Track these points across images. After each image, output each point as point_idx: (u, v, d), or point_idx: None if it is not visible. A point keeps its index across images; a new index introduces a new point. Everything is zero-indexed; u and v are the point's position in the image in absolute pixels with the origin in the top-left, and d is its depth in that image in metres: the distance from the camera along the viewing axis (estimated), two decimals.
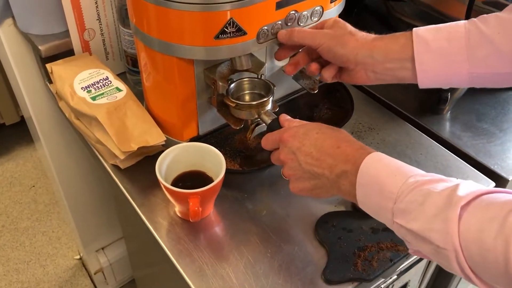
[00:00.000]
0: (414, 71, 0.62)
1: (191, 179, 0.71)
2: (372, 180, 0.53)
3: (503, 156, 0.82)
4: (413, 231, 0.48)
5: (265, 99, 0.71)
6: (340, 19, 0.68)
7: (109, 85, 0.80)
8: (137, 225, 0.80)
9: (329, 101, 0.87)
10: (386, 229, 0.69)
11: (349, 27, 0.66)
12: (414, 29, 0.62)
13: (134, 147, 0.71)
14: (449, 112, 0.91)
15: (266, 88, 0.73)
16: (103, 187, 1.21)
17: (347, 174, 0.55)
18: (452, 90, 0.84)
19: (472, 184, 0.48)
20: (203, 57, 0.66)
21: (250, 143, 0.78)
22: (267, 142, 0.65)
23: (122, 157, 0.72)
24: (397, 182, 0.51)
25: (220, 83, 0.68)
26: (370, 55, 0.63)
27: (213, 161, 0.69)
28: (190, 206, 0.63)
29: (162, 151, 0.70)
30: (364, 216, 0.70)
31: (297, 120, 0.65)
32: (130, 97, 0.78)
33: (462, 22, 0.61)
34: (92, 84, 0.79)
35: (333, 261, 0.65)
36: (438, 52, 0.60)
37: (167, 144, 0.74)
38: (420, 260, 0.74)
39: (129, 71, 0.92)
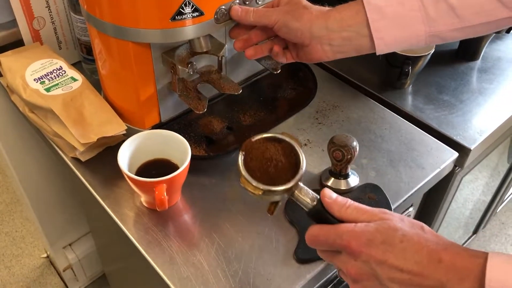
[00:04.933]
0: (371, 38, 0.61)
1: (156, 167, 0.69)
2: None
3: (464, 126, 0.84)
4: None
5: (299, 174, 0.52)
6: None
7: (64, 75, 0.76)
8: (103, 218, 0.78)
9: (293, 81, 0.86)
10: None
11: (304, 1, 0.65)
12: None
13: (94, 138, 0.69)
14: (410, 86, 0.92)
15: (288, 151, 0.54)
16: (65, 181, 1.17)
17: None
18: (413, 64, 0.85)
19: None
20: (160, 40, 0.64)
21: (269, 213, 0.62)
22: (317, 241, 0.50)
23: (81, 149, 0.69)
24: None
25: (180, 67, 0.66)
26: (324, 26, 0.62)
27: (178, 148, 0.67)
28: (156, 195, 0.62)
29: (124, 141, 0.68)
30: None
31: (353, 204, 0.49)
32: (87, 86, 0.75)
33: None
34: (45, 75, 0.76)
35: (304, 240, 0.65)
36: (392, 18, 0.59)
37: (129, 133, 0.72)
38: None
39: (84, 60, 0.88)
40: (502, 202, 1.50)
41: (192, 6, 0.61)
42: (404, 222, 0.46)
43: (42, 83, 0.75)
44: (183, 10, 0.61)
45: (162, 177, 0.62)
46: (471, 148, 0.79)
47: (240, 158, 0.52)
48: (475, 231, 1.45)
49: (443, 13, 0.59)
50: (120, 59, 0.68)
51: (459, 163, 0.81)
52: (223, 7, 0.64)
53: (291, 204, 0.69)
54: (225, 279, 0.61)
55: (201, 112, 0.69)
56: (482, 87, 0.93)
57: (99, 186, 0.72)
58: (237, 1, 0.66)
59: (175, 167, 0.68)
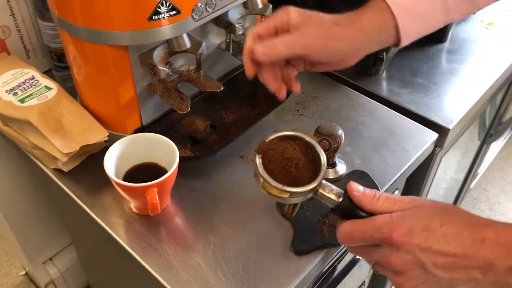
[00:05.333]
0: (398, 37, 0.57)
1: (143, 172, 0.68)
2: None
3: (440, 107, 0.86)
4: None
5: (322, 171, 0.51)
6: (297, 9, 0.57)
7: (37, 84, 0.73)
8: (89, 228, 0.76)
9: None
10: None
11: (324, 16, 0.57)
12: None
13: (76, 147, 0.67)
14: (384, 71, 0.94)
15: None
16: (41, 194, 1.13)
17: None
18: (387, 49, 0.86)
19: None
20: (138, 42, 0.62)
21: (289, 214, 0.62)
22: (352, 238, 0.48)
23: (64, 159, 0.67)
24: None
25: (160, 68, 0.65)
26: (367, 39, 0.57)
27: (164, 150, 0.66)
28: (148, 200, 0.60)
29: (106, 148, 0.66)
30: None
31: (382, 194, 0.48)
32: (63, 94, 0.73)
33: None
34: (17, 85, 0.73)
35: (300, 232, 0.65)
36: (417, 14, 0.57)
37: (110, 140, 0.70)
38: None
39: (55, 67, 0.85)
40: (474, 179, 1.55)
41: (169, 5, 0.60)
42: (437, 205, 0.46)
43: (15, 94, 0.72)
44: (160, 9, 0.60)
45: (151, 181, 0.61)
46: (450, 128, 0.81)
47: (258, 162, 0.50)
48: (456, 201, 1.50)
49: (460, 2, 0.59)
50: (97, 63, 0.66)
51: (438, 143, 0.83)
52: (200, 3, 0.63)
53: None
54: (226, 279, 0.60)
55: (184, 112, 0.68)
56: (452, 68, 0.95)
57: (85, 195, 0.70)
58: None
59: (163, 170, 0.67)
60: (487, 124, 1.23)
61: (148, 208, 0.65)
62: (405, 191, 0.95)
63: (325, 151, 0.69)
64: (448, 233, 0.44)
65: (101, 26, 0.61)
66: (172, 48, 0.66)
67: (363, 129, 0.81)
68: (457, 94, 0.89)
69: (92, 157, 0.73)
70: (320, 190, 0.50)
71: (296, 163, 0.51)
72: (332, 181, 0.72)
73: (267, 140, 0.52)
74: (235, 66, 0.85)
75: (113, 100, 0.69)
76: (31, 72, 0.75)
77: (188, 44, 0.66)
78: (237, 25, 0.73)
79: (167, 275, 0.61)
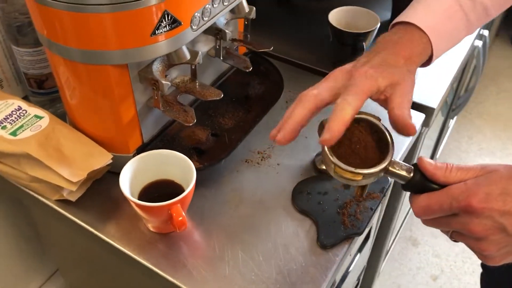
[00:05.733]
0: (431, 57, 0.60)
1: (156, 189, 0.66)
2: None
3: (422, 88, 0.89)
4: None
5: (391, 149, 0.52)
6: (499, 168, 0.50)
7: (25, 114, 0.69)
8: (101, 256, 0.73)
9: (257, 76, 0.86)
10: None
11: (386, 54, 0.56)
12: (416, 22, 0.58)
13: (84, 174, 0.64)
14: None
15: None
16: (17, 227, 1.07)
17: None
18: (365, 39, 0.89)
19: None
20: (141, 59, 0.61)
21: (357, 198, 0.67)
22: (430, 210, 0.49)
23: (74, 188, 0.64)
24: None
25: (164, 82, 0.64)
26: (416, 65, 0.58)
27: (176, 164, 0.65)
28: (174, 217, 0.59)
29: (109, 172, 0.64)
30: (331, 176, 0.73)
31: (454, 165, 0.49)
32: (56, 121, 0.69)
33: None
34: (4, 118, 0.69)
35: (323, 226, 0.67)
36: (445, 34, 0.60)
37: (114, 162, 0.68)
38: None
39: (33, 94, 0.81)
40: (438, 153, 1.64)
41: (171, 18, 0.59)
42: (509, 168, 0.47)
43: (4, 128, 0.67)
44: (163, 23, 0.58)
45: (167, 197, 0.60)
46: (435, 108, 0.85)
47: (327, 149, 0.51)
48: None
49: (480, 16, 0.62)
50: (96, 85, 0.63)
51: (425, 123, 0.88)
52: (197, 13, 0.63)
53: (298, 195, 0.70)
54: (262, 283, 0.60)
55: (191, 124, 0.67)
56: None
57: (97, 223, 0.67)
58: (208, 5, 0.64)
59: (175, 185, 0.66)
60: (449, 100, 1.30)
61: (169, 226, 0.64)
62: None
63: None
64: None
65: (99, 46, 0.59)
66: (171, 61, 0.65)
67: None
68: (433, 73, 0.93)
69: (93, 183, 0.70)
70: (391, 168, 0.52)
71: (364, 145, 0.53)
72: None
73: None
74: (222, 71, 0.85)
75: (114, 121, 0.67)
76: (16, 102, 0.71)
77: (188, 56, 0.65)
78: (226, 31, 0.73)
79: None
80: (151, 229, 0.66)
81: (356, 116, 0.52)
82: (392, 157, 0.52)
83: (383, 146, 0.54)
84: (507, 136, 2.04)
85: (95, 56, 0.60)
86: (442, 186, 0.49)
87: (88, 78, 0.63)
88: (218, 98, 0.71)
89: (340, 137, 0.50)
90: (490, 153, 1.97)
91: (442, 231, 0.52)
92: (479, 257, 0.50)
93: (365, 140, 0.53)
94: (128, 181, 0.63)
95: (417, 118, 0.84)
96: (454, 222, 0.48)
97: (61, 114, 0.74)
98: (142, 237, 0.66)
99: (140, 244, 0.65)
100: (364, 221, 0.67)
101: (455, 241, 0.51)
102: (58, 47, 0.61)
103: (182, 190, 0.62)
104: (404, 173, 0.52)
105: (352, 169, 0.51)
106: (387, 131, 0.54)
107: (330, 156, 0.52)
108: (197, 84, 0.73)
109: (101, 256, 0.76)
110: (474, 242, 0.48)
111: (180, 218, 0.60)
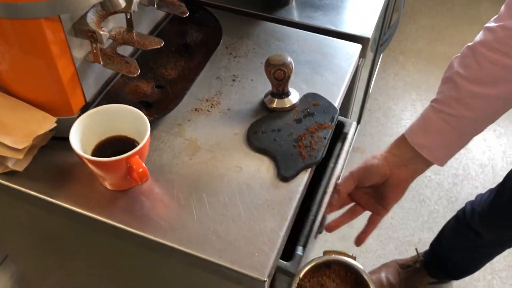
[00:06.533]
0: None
1: (108, 147, 0.64)
2: None
3: (354, 21, 0.92)
4: None
5: None
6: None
7: None
8: (57, 226, 0.70)
9: (193, 23, 0.84)
10: (306, 115, 0.74)
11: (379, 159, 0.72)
12: (410, 139, 0.69)
13: (29, 139, 0.60)
14: (293, 0, 0.97)
15: None
16: None
17: None
18: None
19: None
20: (74, 8, 0.57)
21: None
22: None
23: (21, 156, 0.60)
24: None
25: (102, 33, 0.60)
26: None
27: (126, 118, 0.63)
28: (135, 169, 0.58)
29: (54, 138, 0.61)
30: (282, 113, 0.74)
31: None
32: None
33: (431, 112, 0.68)
34: None
35: (281, 160, 0.68)
36: (437, 145, 0.68)
37: (58, 125, 0.65)
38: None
39: None
40: (370, 90, 1.70)
41: None
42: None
43: None
44: None
45: (120, 154, 0.58)
46: (369, 37, 0.88)
47: None
48: (359, 121, 1.64)
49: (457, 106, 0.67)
50: (28, 44, 0.59)
51: (362, 54, 0.90)
52: None
53: (253, 135, 0.71)
54: (233, 222, 0.61)
55: (136, 75, 0.65)
56: None
57: (50, 191, 0.64)
58: None
59: (128, 140, 0.64)
60: (376, 36, 1.35)
61: (129, 182, 0.63)
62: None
63: (280, 81, 0.72)
64: None
65: None
66: (106, 9, 0.62)
67: (298, 56, 0.84)
68: (363, 6, 0.95)
69: (38, 153, 0.67)
70: None
71: None
72: (289, 109, 0.75)
73: (300, 277, 0.50)
74: (157, 21, 0.82)
75: (53, 82, 0.63)
76: None
77: (123, 3, 0.62)
78: None
79: (172, 237, 0.59)
80: (109, 187, 0.64)
81: (326, 259, 0.51)
82: None
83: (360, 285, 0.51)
84: (429, 70, 2.15)
85: (22, 10, 0.55)
86: None
87: (18, 37, 0.59)
88: (159, 46, 0.69)
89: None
90: (415, 87, 2.08)
91: None
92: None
93: None
94: (79, 141, 0.60)
95: (354, 49, 0.86)
96: None
97: None
98: (100, 197, 0.64)
99: (100, 204, 0.63)
100: (319, 150, 0.69)
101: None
102: None
103: (136, 145, 0.61)
104: None
105: None
106: (368, 276, 0.52)
107: None
108: (134, 34, 0.70)
109: (59, 230, 0.73)
110: None
111: (141, 169, 0.58)
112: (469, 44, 0.67)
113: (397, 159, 0.70)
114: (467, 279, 1.38)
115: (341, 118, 0.83)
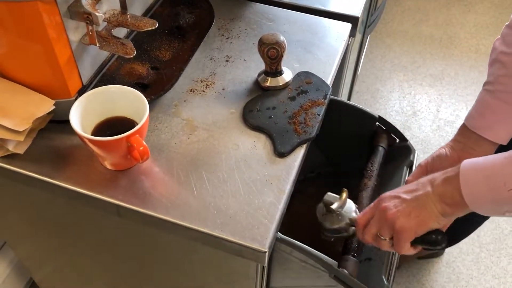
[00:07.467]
0: None
1: (108, 128, 0.65)
2: None
3: (343, 0, 0.93)
4: None
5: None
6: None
7: None
8: (57, 209, 0.72)
9: (185, 5, 0.85)
10: (299, 93, 0.76)
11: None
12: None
13: (29, 121, 0.61)
14: None
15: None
16: None
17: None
18: None
19: None
20: None
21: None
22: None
23: (22, 138, 0.61)
24: None
25: (97, 14, 0.61)
26: None
27: (125, 99, 0.64)
28: (136, 147, 0.59)
29: (52, 121, 0.62)
30: (275, 92, 0.75)
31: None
32: None
33: (485, 95, 0.69)
34: None
35: (277, 137, 0.70)
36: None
37: (56, 108, 0.66)
38: None
39: None
40: (359, 68, 1.72)
41: None
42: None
43: None
44: None
45: (119, 134, 0.59)
46: (359, 16, 0.90)
47: None
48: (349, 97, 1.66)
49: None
50: (25, 26, 0.59)
51: (352, 33, 0.92)
52: None
53: (248, 114, 0.72)
54: (233, 198, 0.63)
55: (132, 56, 0.66)
56: None
57: (51, 172, 0.65)
58: None
59: (129, 121, 0.65)
60: (364, 16, 1.36)
61: (129, 161, 0.64)
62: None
63: (273, 60, 0.74)
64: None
65: None
66: None
67: (289, 36, 0.86)
68: None
69: (37, 136, 0.67)
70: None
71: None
72: (283, 88, 0.76)
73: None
74: (149, 4, 0.82)
75: (50, 65, 0.63)
76: None
77: None
78: None
79: (174, 213, 0.61)
80: (109, 167, 0.65)
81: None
82: None
83: None
84: (415, 50, 2.18)
85: None
86: None
87: (15, 21, 0.59)
88: (153, 28, 0.70)
89: None
90: (402, 68, 2.10)
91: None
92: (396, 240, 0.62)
93: None
94: (79, 122, 0.61)
95: (344, 28, 0.88)
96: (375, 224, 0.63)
97: None
98: (101, 177, 0.65)
99: (101, 183, 0.64)
100: (314, 126, 0.71)
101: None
102: None
103: (135, 125, 0.62)
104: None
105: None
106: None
107: None
108: (128, 16, 0.71)
109: (60, 213, 0.74)
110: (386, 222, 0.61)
111: (141, 147, 0.60)
112: (507, 23, 0.69)
113: (463, 145, 0.72)
114: (455, 252, 1.42)
115: (409, 144, 0.84)
